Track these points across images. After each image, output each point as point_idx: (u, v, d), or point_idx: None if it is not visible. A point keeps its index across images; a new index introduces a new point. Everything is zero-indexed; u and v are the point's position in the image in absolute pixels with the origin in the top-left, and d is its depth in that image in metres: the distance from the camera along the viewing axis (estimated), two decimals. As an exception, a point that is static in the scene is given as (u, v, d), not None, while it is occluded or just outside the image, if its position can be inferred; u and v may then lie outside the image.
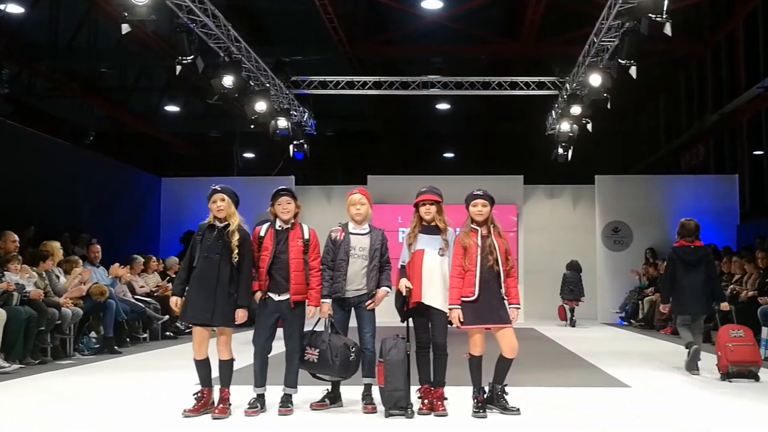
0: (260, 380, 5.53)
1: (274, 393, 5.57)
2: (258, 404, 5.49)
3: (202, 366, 5.44)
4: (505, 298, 5.46)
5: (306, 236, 5.60)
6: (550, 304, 16.22)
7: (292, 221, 5.60)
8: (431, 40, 16.88)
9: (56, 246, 9.40)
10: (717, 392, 6.54)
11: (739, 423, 5.37)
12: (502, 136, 22.74)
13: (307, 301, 5.54)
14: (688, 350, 7.43)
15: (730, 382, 6.87)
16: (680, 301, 7.56)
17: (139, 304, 10.75)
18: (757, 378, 6.89)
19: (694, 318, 7.61)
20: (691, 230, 7.56)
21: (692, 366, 7.38)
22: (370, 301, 5.62)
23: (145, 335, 10.89)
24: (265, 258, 5.51)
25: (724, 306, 7.79)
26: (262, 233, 5.61)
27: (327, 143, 21.73)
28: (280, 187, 5.67)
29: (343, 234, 5.69)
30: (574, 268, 14.31)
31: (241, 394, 5.57)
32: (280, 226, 5.59)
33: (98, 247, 10.70)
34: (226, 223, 5.44)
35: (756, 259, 10.46)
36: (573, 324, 14.15)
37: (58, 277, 9.19)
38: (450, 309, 5.39)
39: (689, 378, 7.30)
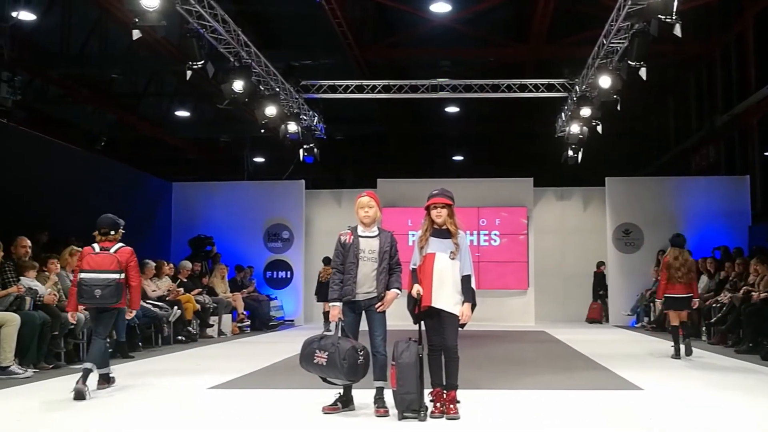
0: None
1: (270, 395, 5.57)
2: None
3: None
4: None
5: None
6: (560, 307, 16.21)
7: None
8: (440, 44, 16.88)
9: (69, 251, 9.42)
10: (733, 394, 6.52)
11: (757, 427, 5.32)
12: (511, 138, 22.70)
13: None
14: None
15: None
16: None
17: (152, 308, 10.79)
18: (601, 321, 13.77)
19: None
20: None
21: None
22: (380, 304, 5.62)
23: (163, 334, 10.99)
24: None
25: None
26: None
27: (337, 147, 21.75)
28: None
29: (352, 237, 5.69)
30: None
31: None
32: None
33: None
34: None
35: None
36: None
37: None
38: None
39: (704, 380, 7.33)
